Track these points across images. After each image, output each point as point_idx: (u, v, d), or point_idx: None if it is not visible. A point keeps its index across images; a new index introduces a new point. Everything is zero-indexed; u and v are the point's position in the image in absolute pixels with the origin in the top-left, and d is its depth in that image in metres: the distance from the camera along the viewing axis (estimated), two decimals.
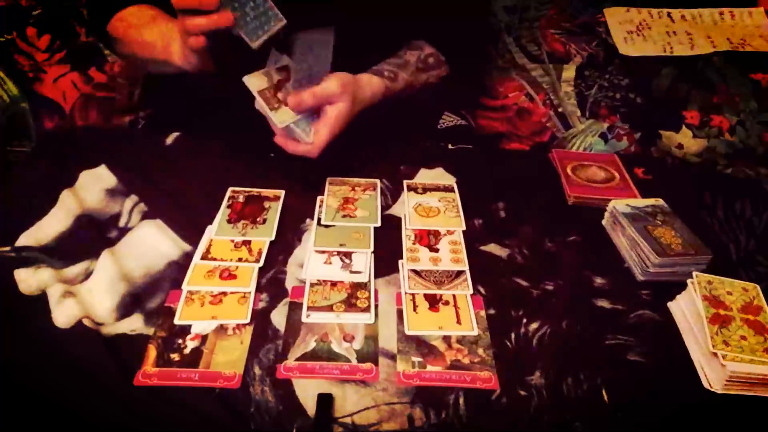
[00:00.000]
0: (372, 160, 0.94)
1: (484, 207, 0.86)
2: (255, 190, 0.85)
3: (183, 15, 0.68)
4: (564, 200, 0.89)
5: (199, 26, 0.68)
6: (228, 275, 0.71)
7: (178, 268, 0.72)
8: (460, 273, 0.74)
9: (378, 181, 0.89)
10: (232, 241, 0.76)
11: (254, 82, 0.75)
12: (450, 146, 1.06)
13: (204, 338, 0.64)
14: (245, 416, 0.57)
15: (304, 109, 0.76)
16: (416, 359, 0.63)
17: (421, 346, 0.65)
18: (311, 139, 0.77)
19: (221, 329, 0.65)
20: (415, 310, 0.69)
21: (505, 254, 0.78)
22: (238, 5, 0.71)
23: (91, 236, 0.76)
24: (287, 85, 0.78)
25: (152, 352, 0.62)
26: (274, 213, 0.81)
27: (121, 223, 0.79)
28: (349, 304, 0.68)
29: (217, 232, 0.77)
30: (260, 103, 0.75)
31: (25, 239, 0.74)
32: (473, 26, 1.00)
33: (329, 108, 0.77)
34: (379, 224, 0.80)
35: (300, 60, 0.77)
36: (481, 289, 0.72)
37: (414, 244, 0.78)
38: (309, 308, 0.67)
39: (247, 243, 0.76)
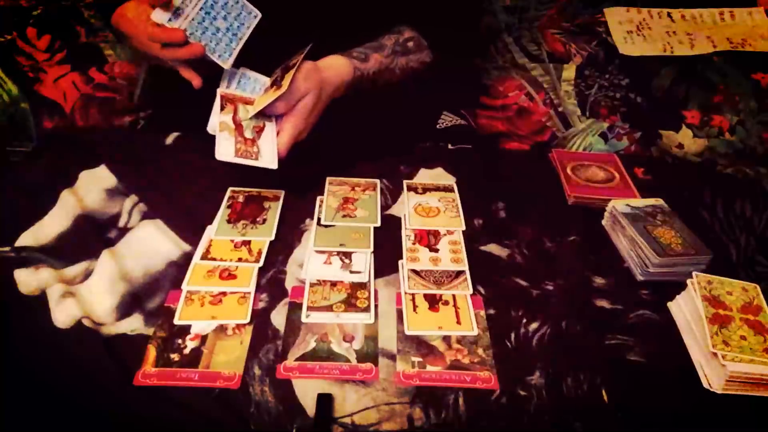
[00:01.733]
0: (372, 160, 0.94)
1: (484, 207, 0.86)
2: (255, 190, 0.85)
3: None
4: (564, 200, 0.89)
5: (173, 57, 0.73)
6: (228, 275, 0.71)
7: (178, 268, 0.72)
8: (459, 273, 0.74)
9: (378, 181, 0.89)
10: (232, 241, 0.76)
11: (225, 151, 0.74)
12: (450, 146, 1.06)
13: (204, 338, 0.64)
14: (245, 416, 0.57)
15: (279, 114, 0.75)
16: (416, 359, 0.63)
17: (421, 346, 0.65)
18: (275, 165, 0.75)
19: (221, 329, 0.65)
20: (414, 310, 0.69)
21: (505, 254, 0.78)
22: (209, 24, 0.73)
23: (91, 236, 0.76)
24: (240, 107, 0.76)
25: (152, 352, 0.62)
26: (274, 213, 0.81)
27: (121, 223, 0.79)
28: (349, 304, 0.68)
29: (217, 232, 0.77)
30: (244, 162, 0.74)
31: (25, 239, 0.75)
32: (461, 14, 0.97)
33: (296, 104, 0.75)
34: (379, 224, 0.80)
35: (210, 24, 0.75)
36: (481, 289, 0.72)
37: (414, 244, 0.78)
38: (309, 308, 0.67)
39: (247, 243, 0.76)
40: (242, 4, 0.75)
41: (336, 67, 0.81)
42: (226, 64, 0.75)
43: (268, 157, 0.74)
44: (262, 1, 0.77)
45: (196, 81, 0.76)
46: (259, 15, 0.76)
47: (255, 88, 0.78)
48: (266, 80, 0.78)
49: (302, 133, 0.77)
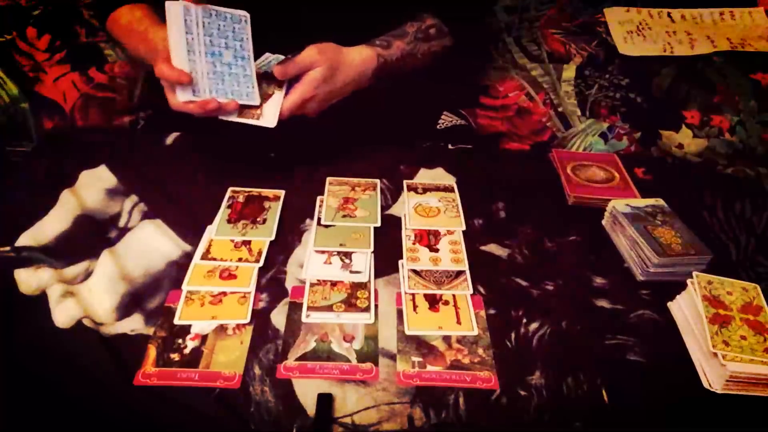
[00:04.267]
0: (372, 160, 0.94)
1: (484, 207, 0.86)
2: (255, 190, 0.85)
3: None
4: (564, 200, 0.89)
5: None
6: (228, 275, 0.71)
7: (178, 268, 0.72)
8: (460, 273, 0.74)
9: (378, 181, 0.89)
10: (232, 241, 0.76)
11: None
12: (450, 146, 1.06)
13: (204, 338, 0.64)
14: (245, 416, 0.57)
15: (290, 77, 0.77)
16: (416, 359, 0.63)
17: (421, 346, 0.65)
18: (258, 101, 0.77)
19: (221, 329, 0.65)
20: (415, 310, 0.69)
21: (505, 254, 0.78)
22: (219, 67, 0.73)
23: (91, 236, 0.76)
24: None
25: (152, 352, 0.62)
26: (274, 213, 0.81)
27: (121, 223, 0.79)
28: (349, 304, 0.68)
29: (217, 232, 0.77)
30: (244, 121, 0.76)
31: (25, 239, 0.75)
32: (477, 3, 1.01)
33: (306, 73, 0.77)
34: (379, 224, 0.80)
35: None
36: (481, 289, 0.72)
37: (414, 244, 0.78)
38: (309, 308, 0.67)
39: (247, 243, 0.76)
40: (228, 16, 0.74)
41: (360, 54, 0.83)
42: (256, 100, 0.76)
43: (268, 118, 0.75)
44: None
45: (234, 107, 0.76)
46: (247, 14, 0.75)
47: (223, 28, 0.77)
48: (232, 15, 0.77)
49: (308, 103, 0.78)
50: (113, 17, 0.86)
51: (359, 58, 0.83)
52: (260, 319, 0.67)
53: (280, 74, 0.76)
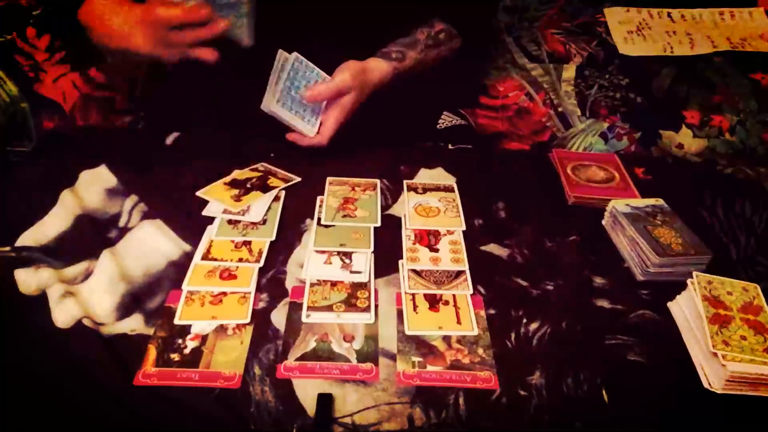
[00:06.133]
0: (372, 160, 0.94)
1: (484, 207, 0.86)
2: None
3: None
4: (564, 200, 0.89)
5: (195, 39, 0.76)
6: (228, 275, 0.71)
7: (178, 268, 0.72)
8: (460, 273, 0.74)
9: (378, 181, 0.89)
10: (233, 241, 0.76)
11: (214, 208, 0.82)
12: (450, 146, 1.06)
13: (204, 338, 0.64)
14: (245, 416, 0.57)
15: (320, 101, 0.83)
16: (416, 359, 0.63)
17: (421, 346, 0.65)
18: (314, 132, 0.85)
19: (221, 329, 0.65)
20: (415, 310, 0.69)
21: (505, 254, 0.78)
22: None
23: (91, 236, 0.76)
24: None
25: (152, 352, 0.62)
26: (274, 213, 0.81)
27: (121, 223, 0.79)
28: (349, 304, 0.68)
29: (218, 233, 0.77)
30: (229, 217, 0.80)
31: (25, 239, 0.74)
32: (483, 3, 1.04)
33: (339, 101, 0.84)
34: (379, 224, 0.80)
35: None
36: (481, 289, 0.72)
37: (414, 244, 0.78)
38: (309, 308, 0.67)
39: (247, 243, 0.76)
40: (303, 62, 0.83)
41: (379, 70, 0.89)
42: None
43: (254, 216, 0.80)
44: None
45: (212, 55, 0.77)
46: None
47: (306, 73, 0.84)
48: (318, 71, 0.85)
49: (342, 124, 0.86)
50: (88, 2, 0.85)
51: (379, 75, 0.88)
52: (260, 319, 0.67)
53: (312, 98, 0.82)
